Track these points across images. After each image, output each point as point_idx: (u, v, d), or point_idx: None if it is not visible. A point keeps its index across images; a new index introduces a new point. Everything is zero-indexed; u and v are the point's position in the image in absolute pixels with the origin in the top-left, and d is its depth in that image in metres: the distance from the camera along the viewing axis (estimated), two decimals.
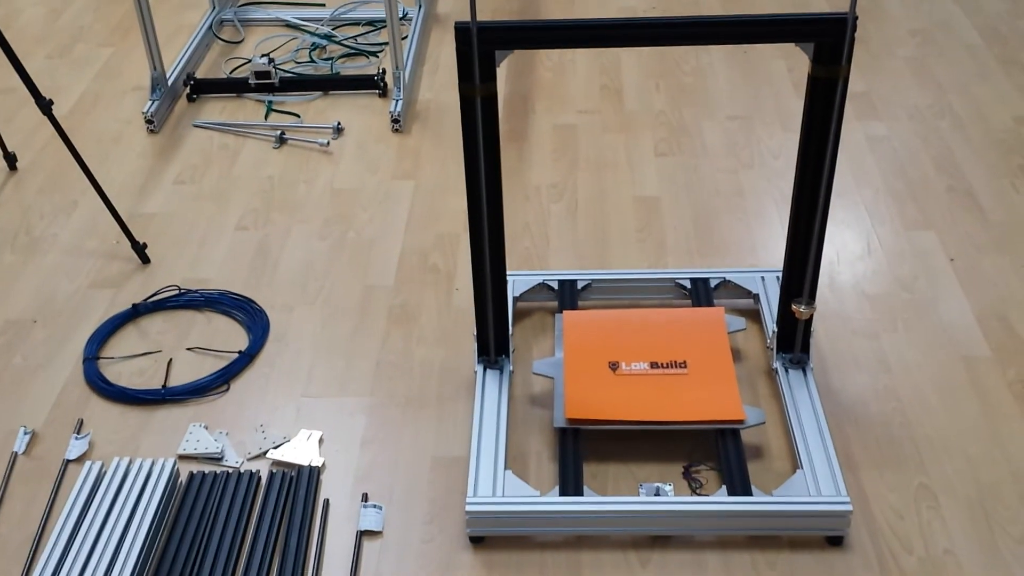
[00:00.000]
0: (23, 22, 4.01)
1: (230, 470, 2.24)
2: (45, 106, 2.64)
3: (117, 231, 2.81)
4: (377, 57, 3.71)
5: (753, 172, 3.10)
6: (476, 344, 2.35)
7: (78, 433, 2.34)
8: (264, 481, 2.22)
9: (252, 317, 2.62)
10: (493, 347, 2.34)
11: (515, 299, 2.55)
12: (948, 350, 2.48)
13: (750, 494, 2.08)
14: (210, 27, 3.83)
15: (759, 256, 2.78)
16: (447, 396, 2.40)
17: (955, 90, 3.43)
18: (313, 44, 3.78)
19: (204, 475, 2.22)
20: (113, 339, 2.60)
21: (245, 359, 2.51)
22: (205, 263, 2.82)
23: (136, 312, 2.66)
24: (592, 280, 2.60)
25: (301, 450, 2.28)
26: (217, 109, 3.47)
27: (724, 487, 2.10)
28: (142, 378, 2.49)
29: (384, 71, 3.51)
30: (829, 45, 1.96)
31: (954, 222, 2.87)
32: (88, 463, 2.24)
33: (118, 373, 2.50)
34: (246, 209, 3.01)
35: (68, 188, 3.10)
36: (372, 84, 3.50)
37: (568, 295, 2.56)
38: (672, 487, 2.15)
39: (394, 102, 3.34)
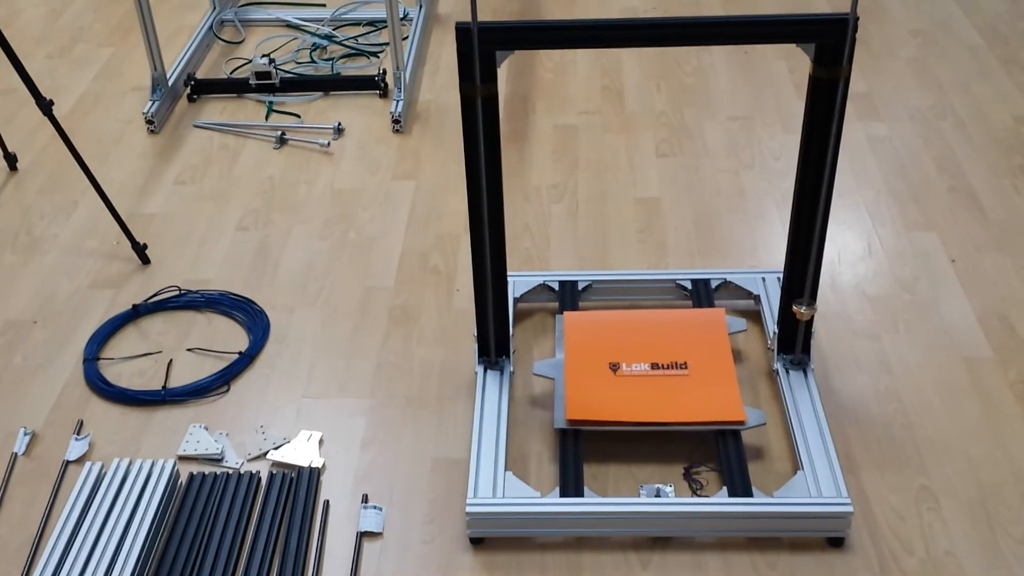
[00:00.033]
0: (23, 22, 4.01)
1: (230, 471, 2.24)
2: (45, 106, 2.64)
3: (117, 231, 2.81)
4: (378, 57, 3.71)
5: (754, 173, 3.10)
6: (476, 345, 2.35)
7: (78, 434, 2.34)
8: (264, 482, 2.22)
9: (252, 318, 2.62)
10: (494, 348, 2.33)
11: (516, 300, 2.55)
12: (949, 351, 2.48)
13: (751, 495, 2.07)
14: (211, 27, 3.83)
15: (760, 257, 2.78)
16: (447, 397, 2.40)
17: (956, 90, 3.43)
18: (314, 44, 3.78)
19: (204, 476, 2.22)
20: (113, 340, 2.60)
21: (245, 360, 2.51)
22: (205, 264, 2.81)
23: (136, 313, 2.65)
24: (593, 281, 2.59)
25: (301, 451, 2.28)
26: (217, 109, 3.47)
27: (725, 488, 2.10)
28: (142, 379, 2.48)
29: (385, 71, 3.51)
30: (830, 46, 1.96)
31: (955, 222, 2.87)
32: (88, 464, 2.24)
33: (118, 374, 2.50)
34: (246, 210, 3.01)
35: (68, 188, 3.10)
36: (373, 84, 3.50)
37: (569, 296, 2.56)
38: (673, 488, 2.14)
39: (395, 102, 3.34)
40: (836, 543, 2.06)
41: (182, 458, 2.28)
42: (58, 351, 2.56)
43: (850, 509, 2.03)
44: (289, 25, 3.91)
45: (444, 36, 3.85)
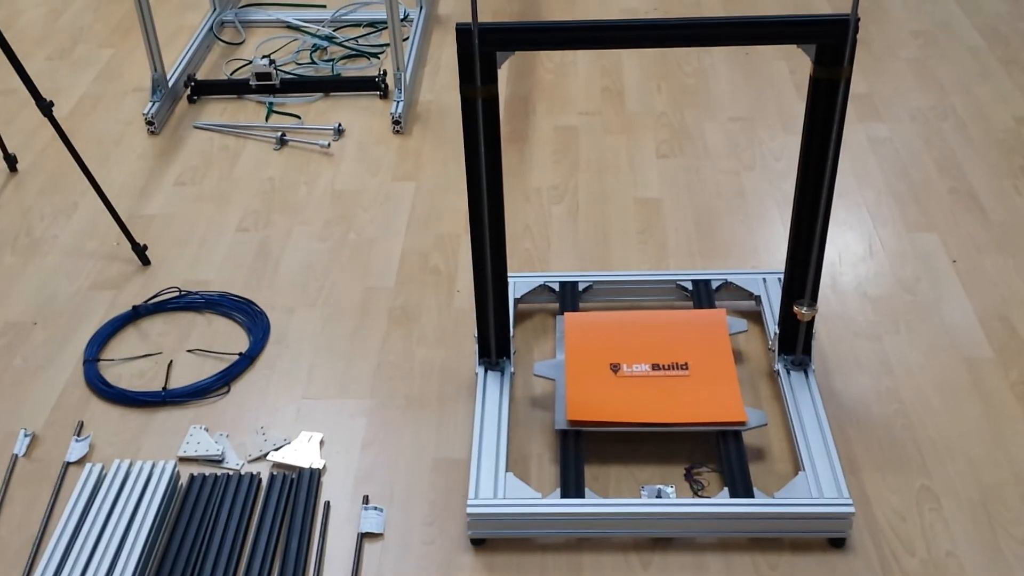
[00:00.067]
0: (23, 23, 4.01)
1: (231, 472, 2.23)
2: (45, 107, 2.64)
3: (117, 233, 2.81)
4: (378, 58, 3.71)
5: (755, 174, 3.10)
6: (477, 346, 2.34)
7: (78, 435, 2.34)
8: (265, 483, 2.21)
9: (252, 319, 2.62)
10: (494, 349, 2.33)
11: (516, 301, 2.55)
12: (950, 352, 2.48)
13: (752, 496, 2.07)
14: (211, 28, 3.83)
15: (761, 258, 2.78)
16: (448, 397, 2.40)
17: (957, 91, 3.43)
18: (314, 45, 3.78)
19: (205, 477, 2.21)
20: (113, 341, 2.59)
21: (246, 361, 2.50)
22: (205, 265, 2.81)
23: (136, 314, 2.65)
24: (593, 282, 2.59)
25: (302, 452, 2.27)
26: (218, 110, 3.47)
27: (726, 489, 2.09)
28: (142, 380, 2.48)
29: (385, 72, 3.51)
30: (831, 47, 1.95)
31: (956, 223, 2.87)
32: (88, 465, 2.24)
33: (118, 375, 2.50)
34: (247, 210, 3.01)
35: (68, 189, 3.09)
36: (373, 85, 3.50)
37: (569, 297, 2.55)
38: (674, 489, 2.14)
39: (395, 103, 3.34)
40: (837, 544, 2.06)
41: (182, 459, 2.28)
42: (58, 352, 2.56)
43: (851, 510, 2.03)
44: (289, 26, 3.91)
45: (444, 37, 3.85)
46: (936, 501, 2.14)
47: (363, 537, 2.11)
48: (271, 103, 3.47)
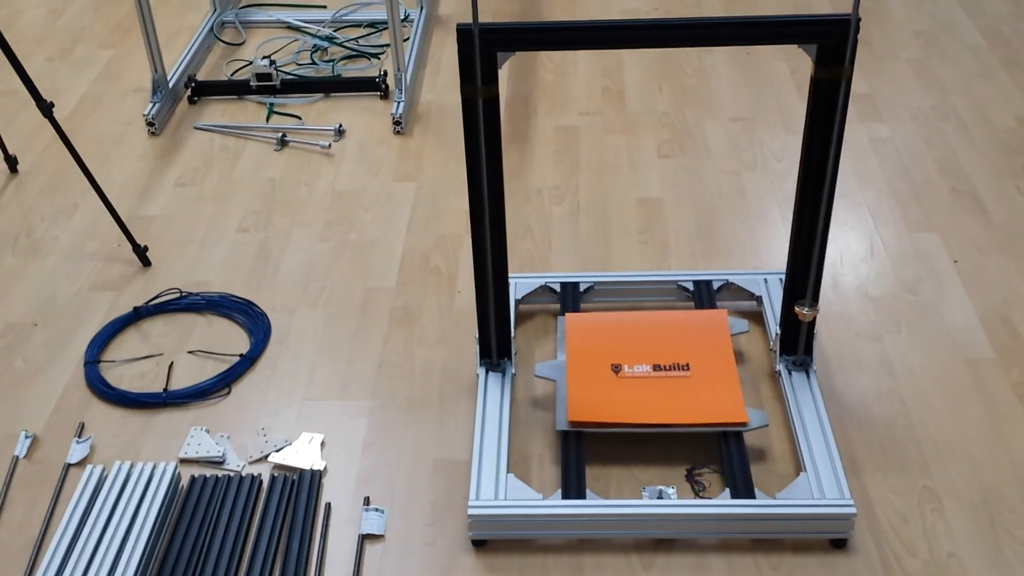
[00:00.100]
0: (23, 23, 4.00)
1: (232, 474, 2.23)
2: (46, 108, 2.63)
3: (118, 233, 2.81)
4: (378, 59, 3.71)
5: (756, 174, 3.09)
6: (478, 346, 2.34)
7: (79, 437, 2.34)
8: (266, 485, 2.21)
9: (253, 320, 2.62)
10: (495, 349, 2.33)
11: (517, 301, 2.55)
12: (952, 352, 2.47)
13: (753, 497, 2.07)
14: (211, 29, 3.83)
15: (762, 258, 2.78)
16: (449, 398, 2.40)
17: (958, 91, 3.43)
18: (314, 46, 3.77)
19: (206, 479, 2.21)
20: (114, 342, 2.59)
21: (246, 362, 2.50)
22: (206, 265, 2.81)
23: (137, 315, 2.65)
24: (594, 282, 2.59)
25: (303, 453, 2.27)
26: (218, 111, 3.47)
27: (727, 490, 2.09)
28: (143, 381, 2.48)
29: (386, 73, 3.51)
30: (832, 47, 1.95)
31: (957, 224, 2.86)
32: (89, 467, 2.24)
33: (119, 376, 2.49)
34: (247, 211, 3.01)
35: (69, 190, 3.09)
36: (374, 86, 3.50)
37: (570, 297, 2.55)
38: (675, 490, 2.14)
39: (396, 104, 3.34)
40: (839, 545, 2.06)
41: (183, 461, 2.28)
42: (59, 353, 2.56)
43: (853, 511, 2.02)
44: (290, 27, 3.91)
45: (445, 37, 3.85)
46: (938, 502, 2.14)
47: (364, 538, 2.11)
48: (272, 104, 3.47)
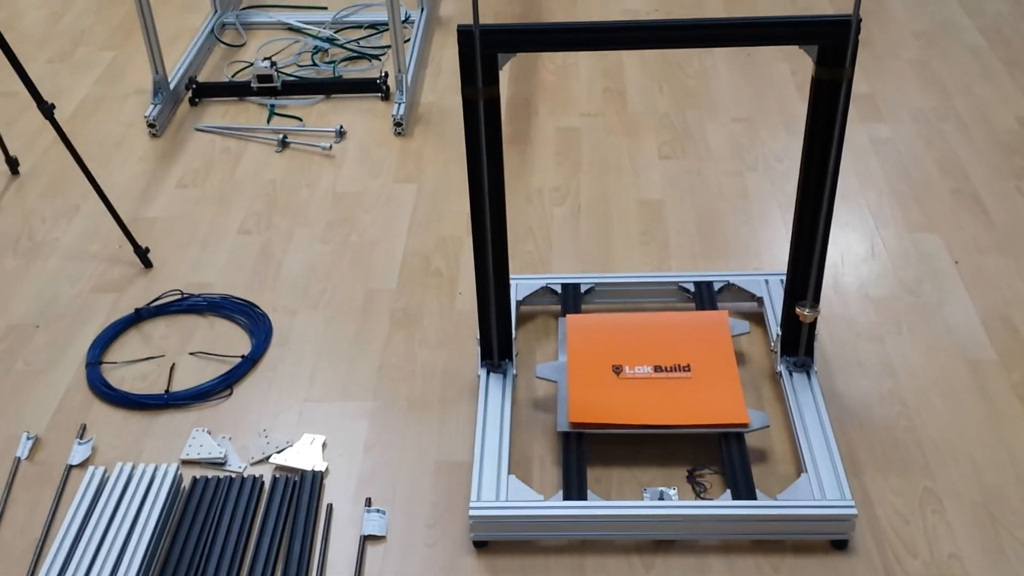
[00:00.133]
0: (24, 25, 4.01)
1: (233, 475, 2.23)
2: (47, 110, 2.64)
3: (119, 235, 2.81)
4: (379, 60, 3.71)
5: (757, 175, 3.10)
6: (479, 348, 2.34)
7: (81, 438, 2.34)
8: (267, 486, 2.21)
9: (255, 321, 2.62)
10: (496, 351, 2.33)
11: (518, 303, 2.55)
12: (953, 353, 2.47)
13: (754, 498, 2.07)
14: (212, 30, 3.83)
15: (763, 259, 2.78)
16: (450, 400, 2.40)
17: (959, 92, 3.43)
18: (315, 47, 3.78)
19: (207, 480, 2.21)
20: (116, 344, 2.59)
21: (248, 363, 2.50)
22: (207, 267, 2.81)
23: (139, 316, 2.65)
24: (595, 283, 2.59)
25: (304, 454, 2.27)
26: (219, 113, 3.47)
27: (728, 491, 2.09)
28: (145, 383, 2.48)
29: (386, 74, 3.51)
30: (833, 47, 1.95)
31: (958, 224, 2.87)
32: (91, 468, 2.24)
33: (121, 378, 2.50)
34: (248, 213, 3.01)
35: (70, 192, 3.09)
36: (374, 87, 3.50)
37: (571, 299, 2.55)
38: (676, 491, 2.14)
39: (396, 105, 3.34)
40: (840, 546, 2.06)
41: (185, 462, 2.28)
42: (60, 355, 2.56)
43: (854, 512, 2.02)
44: (291, 28, 3.91)
45: (446, 39, 3.85)
46: (939, 503, 2.14)
47: (365, 540, 2.11)
48: (272, 105, 3.47)
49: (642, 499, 2.13)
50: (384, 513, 2.14)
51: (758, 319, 2.55)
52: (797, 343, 2.31)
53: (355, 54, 3.75)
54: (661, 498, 2.12)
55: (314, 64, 3.70)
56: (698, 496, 2.16)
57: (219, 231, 2.94)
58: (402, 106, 3.32)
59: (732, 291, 2.57)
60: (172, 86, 3.45)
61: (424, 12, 3.87)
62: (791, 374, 2.33)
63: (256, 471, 2.25)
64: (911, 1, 3.97)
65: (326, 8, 3.99)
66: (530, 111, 3.42)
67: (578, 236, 2.88)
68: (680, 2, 4.02)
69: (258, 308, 2.66)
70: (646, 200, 3.00)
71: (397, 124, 3.31)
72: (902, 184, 3.03)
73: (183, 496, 2.20)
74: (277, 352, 2.55)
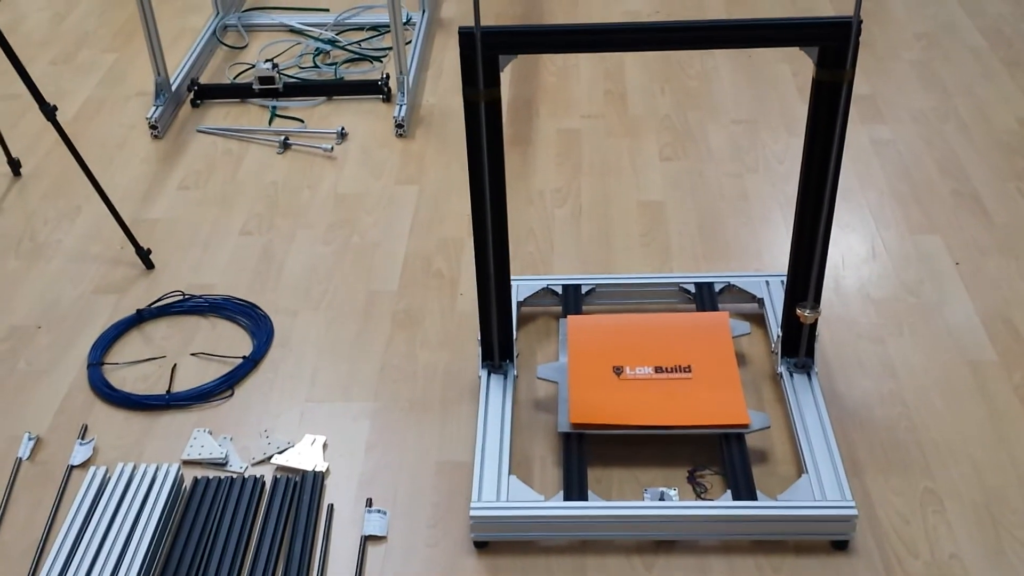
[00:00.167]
0: (27, 28, 4.01)
1: (234, 475, 2.24)
2: (49, 112, 2.64)
3: (121, 236, 2.81)
4: (381, 62, 3.72)
5: (758, 176, 3.10)
6: (480, 349, 2.35)
7: (82, 439, 2.34)
8: (268, 486, 2.22)
9: (256, 322, 2.62)
10: (497, 352, 2.33)
11: (519, 304, 2.55)
12: (953, 354, 2.48)
13: (755, 499, 2.07)
14: (214, 32, 3.84)
15: (764, 260, 2.78)
16: (451, 400, 2.40)
17: (960, 93, 3.43)
18: (317, 49, 3.78)
19: (208, 480, 2.22)
20: (117, 344, 2.60)
21: (249, 364, 2.51)
22: (209, 268, 2.82)
23: (140, 317, 2.66)
24: (596, 285, 2.59)
25: (305, 455, 2.28)
26: (221, 114, 3.48)
27: (729, 492, 2.09)
28: (146, 383, 2.49)
29: (388, 76, 3.51)
30: (833, 49, 1.95)
31: (959, 225, 2.87)
32: (92, 469, 2.24)
33: (122, 378, 2.50)
34: (250, 214, 3.01)
35: (72, 194, 3.10)
36: (376, 89, 3.51)
37: (572, 300, 2.56)
38: (677, 492, 2.14)
39: (398, 107, 3.35)
40: (840, 546, 2.06)
41: (186, 462, 2.28)
42: (62, 356, 2.56)
43: (854, 512, 2.03)
44: (292, 30, 3.91)
45: (447, 40, 3.85)
46: (939, 503, 2.14)
47: (366, 540, 2.11)
48: (274, 107, 3.48)
49: (643, 499, 2.14)
50: (385, 513, 2.15)
51: (759, 320, 2.55)
52: (798, 344, 2.32)
53: (357, 56, 3.75)
54: (662, 499, 2.12)
55: (316, 66, 3.71)
56: (699, 497, 2.17)
57: (221, 232, 2.95)
58: (403, 108, 3.33)
59: (733, 292, 2.58)
60: (174, 88, 3.46)
61: (425, 14, 3.87)
62: (792, 375, 2.33)
63: (257, 471, 2.26)
64: (912, 2, 3.97)
65: (328, 10, 3.99)
66: (531, 113, 3.42)
67: (579, 237, 2.88)
68: (681, 3, 4.03)
69: (259, 309, 2.67)
70: (647, 201, 3.00)
71: (398, 126, 3.32)
72: (903, 185, 3.03)
73: (184, 496, 2.20)
74: (278, 353, 2.55)
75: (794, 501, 2.06)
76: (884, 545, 2.06)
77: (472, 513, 2.05)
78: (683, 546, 2.08)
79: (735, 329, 2.44)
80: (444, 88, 3.57)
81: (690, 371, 2.31)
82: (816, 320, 2.23)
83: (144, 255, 2.81)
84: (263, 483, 2.22)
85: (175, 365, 2.53)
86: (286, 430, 2.35)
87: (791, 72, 3.57)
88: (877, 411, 2.34)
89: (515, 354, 2.38)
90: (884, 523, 2.10)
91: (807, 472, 2.11)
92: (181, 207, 3.05)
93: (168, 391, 2.45)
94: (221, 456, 2.28)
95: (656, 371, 2.31)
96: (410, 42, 3.68)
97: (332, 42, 3.81)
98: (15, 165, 3.20)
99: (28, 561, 2.09)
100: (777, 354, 2.38)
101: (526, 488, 2.11)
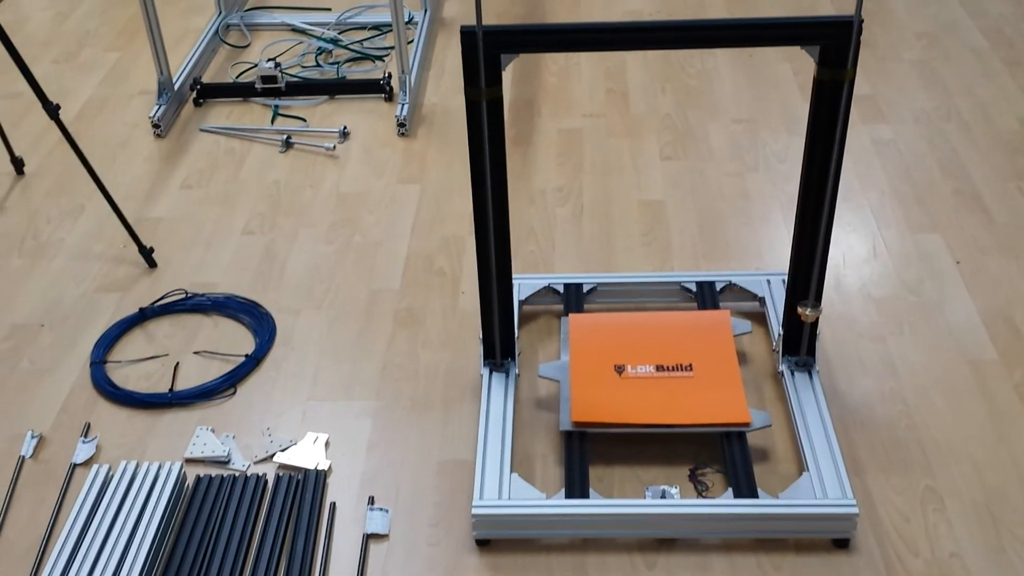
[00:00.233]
0: (30, 27, 4.02)
1: (237, 473, 2.24)
2: (52, 111, 2.65)
3: (124, 235, 2.82)
4: (383, 61, 3.72)
5: (759, 175, 3.10)
6: (482, 347, 2.35)
7: (85, 437, 2.35)
8: (271, 484, 2.22)
9: (258, 321, 2.63)
10: (499, 350, 2.34)
11: (521, 303, 2.56)
12: (954, 353, 2.48)
13: (756, 497, 2.08)
14: (216, 32, 3.84)
15: (765, 259, 2.78)
16: (453, 399, 2.40)
17: (961, 93, 3.43)
18: (319, 48, 3.79)
19: (211, 478, 2.22)
20: (120, 343, 2.61)
21: (251, 363, 2.51)
22: (212, 267, 2.82)
23: (143, 316, 2.66)
24: (598, 283, 2.60)
25: (307, 453, 2.28)
26: (223, 113, 3.48)
27: (730, 490, 2.10)
28: (149, 382, 2.49)
29: (390, 75, 3.52)
30: (834, 48, 1.96)
31: (960, 225, 2.87)
32: (95, 467, 2.25)
33: (125, 377, 2.51)
34: (252, 213, 3.02)
35: (75, 192, 3.11)
36: (378, 88, 3.51)
37: (574, 298, 2.56)
38: (678, 490, 2.15)
39: (400, 106, 3.35)
40: (841, 544, 2.06)
41: (189, 460, 2.29)
42: (65, 354, 2.57)
43: (855, 511, 2.03)
44: (295, 29, 3.92)
45: (449, 40, 3.86)
46: (940, 502, 2.14)
47: (368, 538, 2.12)
48: (276, 106, 3.48)
49: (644, 498, 2.14)
50: (387, 512, 2.15)
51: (760, 319, 2.56)
52: (799, 343, 2.32)
53: (359, 55, 3.76)
54: (663, 497, 2.13)
55: (318, 65, 3.71)
56: (700, 495, 2.17)
57: (223, 231, 2.95)
58: (405, 107, 3.33)
59: (734, 291, 2.58)
60: (177, 87, 3.46)
61: (427, 13, 3.88)
62: (793, 373, 2.33)
63: (260, 470, 2.26)
64: (913, 2, 3.98)
65: (330, 9, 4.00)
66: (532, 112, 3.43)
67: (580, 236, 2.88)
68: (682, 3, 4.03)
69: (262, 308, 2.67)
70: (648, 200, 3.01)
71: (400, 125, 3.32)
72: (904, 184, 3.03)
73: (187, 494, 2.21)
74: (281, 351, 2.55)
75: (795, 499, 2.06)
76: (885, 543, 2.07)
77: (474, 511, 2.06)
78: (684, 544, 2.08)
79: (736, 328, 2.44)
80: (446, 87, 3.58)
81: (691, 370, 2.32)
82: (817, 319, 2.24)
83: (147, 254, 2.82)
84: (265, 481, 2.23)
85: (178, 363, 2.53)
86: (288, 428, 2.36)
87: (792, 71, 3.57)
88: (878, 410, 2.34)
89: (517, 353, 2.38)
90: (885, 521, 2.11)
91: (808, 470, 2.11)
92: (184, 206, 3.06)
93: (171, 389, 2.46)
94: (223, 454, 2.28)
95: (657, 370, 2.32)
96: (412, 41, 3.69)
97: (334, 41, 3.81)
98: (18, 164, 3.20)
99: (31, 559, 2.10)
100: (778, 353, 2.38)
101: (528, 486, 2.11)
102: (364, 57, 3.75)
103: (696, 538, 2.09)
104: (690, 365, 2.33)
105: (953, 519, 2.11)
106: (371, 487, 2.22)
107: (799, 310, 2.21)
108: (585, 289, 2.58)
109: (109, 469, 2.24)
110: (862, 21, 1.92)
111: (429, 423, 2.35)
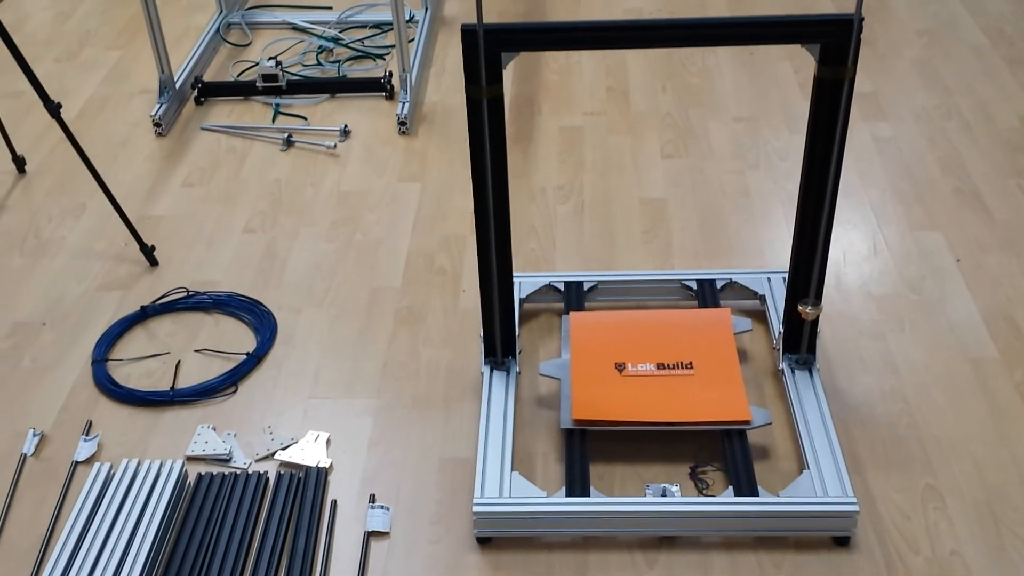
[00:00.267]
0: (32, 26, 4.02)
1: (238, 471, 2.25)
2: (53, 109, 2.65)
3: (125, 233, 2.82)
4: (384, 60, 3.72)
5: (759, 173, 3.10)
6: (483, 345, 2.35)
7: (87, 435, 2.35)
8: (272, 482, 2.23)
9: (260, 319, 2.63)
10: (500, 348, 2.34)
11: (522, 300, 2.56)
12: (955, 351, 2.48)
13: (757, 495, 2.08)
14: (217, 30, 3.84)
15: (765, 257, 2.79)
16: (454, 397, 2.41)
17: (961, 91, 3.43)
18: (320, 47, 3.79)
19: (212, 476, 2.23)
20: (121, 341, 2.61)
21: (253, 361, 2.52)
22: (213, 265, 2.83)
23: (144, 314, 2.67)
24: (598, 281, 2.60)
25: (309, 451, 2.29)
26: (225, 112, 3.49)
27: (731, 488, 2.10)
28: (150, 380, 2.49)
29: (391, 74, 3.52)
30: (835, 46, 1.96)
31: (960, 223, 2.87)
32: (97, 465, 2.25)
33: (127, 375, 2.51)
34: (253, 211, 3.02)
35: (76, 191, 3.11)
36: (379, 87, 3.51)
37: (574, 296, 2.56)
38: (679, 488, 2.15)
39: (401, 104, 3.35)
40: (842, 542, 2.07)
41: (190, 458, 2.29)
42: (67, 353, 2.57)
43: (856, 508, 2.03)
44: (296, 28, 3.92)
45: (450, 38, 3.86)
46: (941, 500, 2.15)
47: (370, 536, 2.12)
48: (277, 104, 3.48)
49: (645, 496, 2.14)
50: (388, 509, 2.16)
51: (760, 317, 2.56)
52: (799, 341, 2.32)
53: (360, 54, 3.76)
54: (664, 495, 2.13)
55: (319, 63, 3.71)
56: (700, 493, 2.17)
57: (224, 229, 2.95)
58: (406, 105, 3.34)
59: (734, 289, 2.58)
60: (178, 85, 3.47)
61: (428, 12, 3.88)
62: (793, 371, 2.34)
63: (261, 467, 2.27)
64: (913, 0, 3.98)
65: (331, 8, 4.00)
66: (533, 110, 3.43)
67: (581, 234, 2.89)
68: (683, 1, 4.03)
69: (263, 306, 2.68)
70: (649, 198, 3.01)
71: (401, 123, 3.32)
72: (904, 182, 3.03)
73: (188, 492, 2.21)
74: (282, 350, 2.56)
75: (796, 497, 2.07)
76: (885, 541, 2.07)
77: (475, 509, 2.06)
78: (685, 542, 2.08)
79: (737, 326, 2.45)
80: (447, 85, 3.58)
81: (692, 367, 2.32)
82: (817, 317, 2.24)
83: (148, 252, 2.82)
84: (267, 479, 2.23)
85: (179, 361, 2.54)
86: (290, 426, 2.36)
87: (792, 69, 3.58)
88: (878, 408, 2.35)
89: (517, 351, 2.38)
90: (885, 519, 2.11)
91: (808, 468, 2.12)
92: (185, 204, 3.06)
93: (172, 387, 2.46)
94: (225, 452, 2.29)
95: (658, 367, 2.32)
96: (413, 40, 3.69)
97: (335, 40, 3.82)
98: (20, 162, 3.21)
99: (33, 557, 2.10)
100: (779, 350, 2.39)
101: (528, 484, 2.11)
102: (365, 55, 3.75)
103: (697, 536, 2.09)
104: (691, 363, 2.33)
105: (954, 517, 2.11)
106: (372, 485, 2.22)
107: (800, 308, 2.21)
108: (586, 287, 2.59)
109: (111, 467, 2.25)
110: (862, 19, 1.93)
111: (430, 421, 2.35)
